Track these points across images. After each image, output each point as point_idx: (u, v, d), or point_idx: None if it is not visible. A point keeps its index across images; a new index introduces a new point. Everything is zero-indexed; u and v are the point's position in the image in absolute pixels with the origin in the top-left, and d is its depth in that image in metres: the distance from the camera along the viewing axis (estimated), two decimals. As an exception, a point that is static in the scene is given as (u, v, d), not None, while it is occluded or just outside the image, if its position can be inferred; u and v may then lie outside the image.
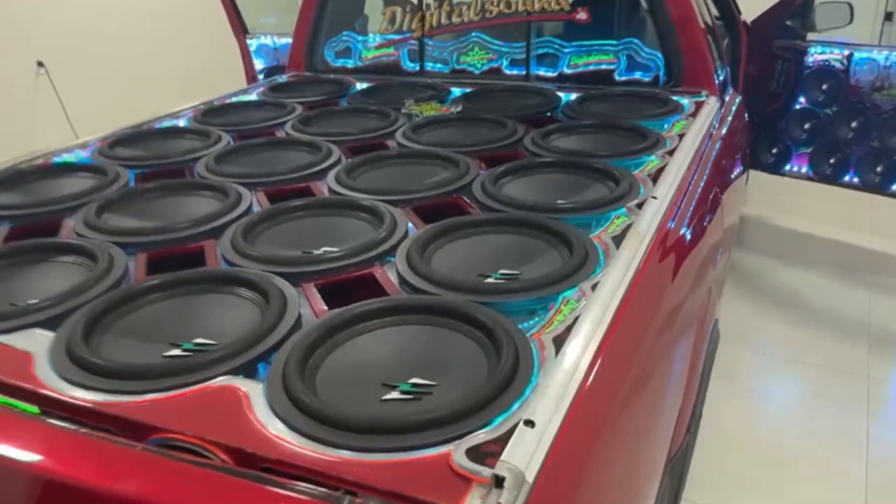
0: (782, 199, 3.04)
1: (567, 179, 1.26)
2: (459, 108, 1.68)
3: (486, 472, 0.60)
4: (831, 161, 2.49)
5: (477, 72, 1.98)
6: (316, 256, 0.98)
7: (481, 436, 0.64)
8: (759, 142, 2.61)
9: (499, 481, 0.59)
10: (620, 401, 0.78)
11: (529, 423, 0.65)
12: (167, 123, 1.66)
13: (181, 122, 1.67)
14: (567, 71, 1.90)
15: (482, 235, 1.06)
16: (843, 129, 2.41)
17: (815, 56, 2.40)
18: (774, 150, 2.65)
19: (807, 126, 2.48)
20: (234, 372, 0.76)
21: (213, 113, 1.73)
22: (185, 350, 0.81)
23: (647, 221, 1.05)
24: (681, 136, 1.43)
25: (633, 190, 1.17)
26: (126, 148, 1.47)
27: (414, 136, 1.50)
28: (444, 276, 0.92)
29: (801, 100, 2.47)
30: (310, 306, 0.90)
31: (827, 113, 2.42)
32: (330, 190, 1.24)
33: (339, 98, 1.87)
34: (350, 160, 1.36)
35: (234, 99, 1.87)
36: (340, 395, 0.73)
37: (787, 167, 2.63)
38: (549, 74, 1.91)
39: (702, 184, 1.31)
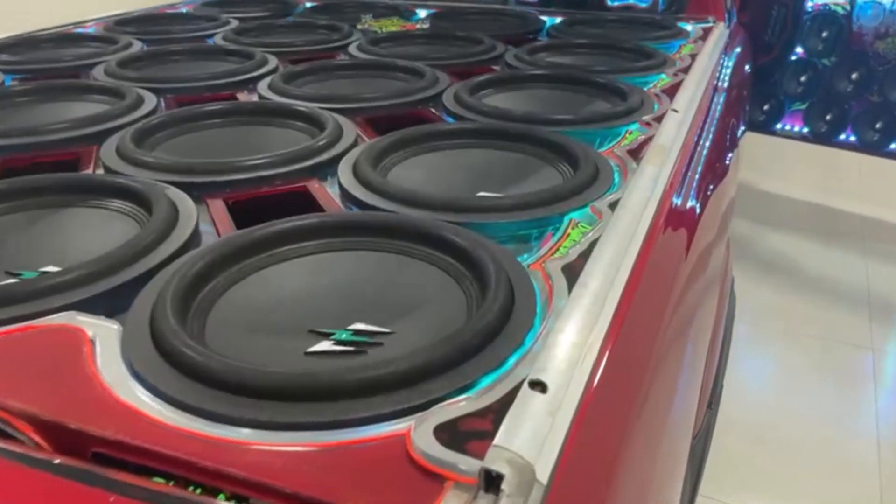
0: (767, 164, 2.85)
1: (562, 95, 1.01)
2: (427, 25, 1.42)
3: (469, 464, 0.35)
4: (827, 118, 2.29)
5: (447, -7, 1.70)
6: (226, 164, 0.72)
7: (461, 405, 0.40)
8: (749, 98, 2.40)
9: (492, 481, 0.34)
10: (656, 356, 0.55)
11: (538, 386, 0.40)
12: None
13: (89, 31, 1.37)
14: (551, -6, 1.64)
15: (456, 150, 0.81)
16: (841, 81, 2.20)
17: (815, 1, 2.18)
18: (766, 107, 2.44)
19: (803, 79, 2.27)
20: (82, 307, 0.50)
21: (129, 23, 1.43)
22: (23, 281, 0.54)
23: (671, 135, 0.81)
24: (693, 57, 1.19)
25: (646, 105, 0.93)
26: (8, 54, 1.17)
27: (371, 48, 1.24)
28: (404, 190, 0.66)
29: (798, 50, 2.26)
30: (214, 229, 0.64)
31: (825, 64, 2.22)
32: (260, 98, 0.97)
33: (284, 17, 1.59)
34: (289, 68, 1.09)
35: (156, 12, 1.57)
36: (242, 344, 0.48)
37: (780, 126, 2.42)
38: (531, -2, 1.66)
39: (720, 106, 1.07)
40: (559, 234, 0.61)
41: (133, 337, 0.46)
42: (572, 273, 0.53)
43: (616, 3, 1.60)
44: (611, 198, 0.66)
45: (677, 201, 0.71)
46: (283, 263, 0.57)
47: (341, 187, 0.69)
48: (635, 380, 0.49)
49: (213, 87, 1.01)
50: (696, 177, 0.81)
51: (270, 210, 0.67)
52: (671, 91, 1.00)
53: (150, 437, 0.39)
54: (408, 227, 0.58)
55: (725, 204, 1.02)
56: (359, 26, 1.41)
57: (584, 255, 0.55)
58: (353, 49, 1.24)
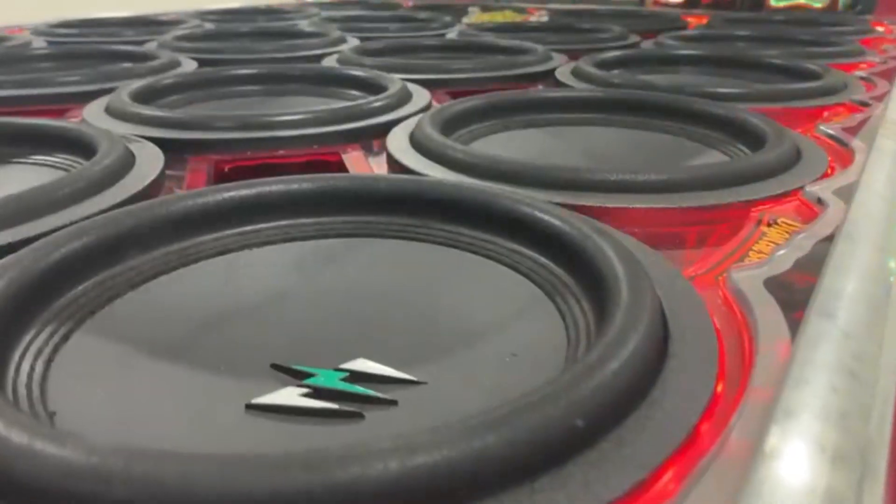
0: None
1: (726, 80, 0.75)
2: (546, 19, 1.19)
3: None
4: None
5: (572, -4, 1.47)
6: (227, 117, 0.50)
7: None
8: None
9: None
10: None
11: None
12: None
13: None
14: (699, -6, 1.37)
15: (570, 126, 0.56)
16: None
17: None
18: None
19: None
20: None
21: (213, 13, 1.29)
22: None
23: (906, 114, 0.53)
24: (900, 49, 0.89)
25: (851, 87, 0.65)
26: (66, 29, 1.04)
27: (473, 32, 1.02)
28: (477, 155, 0.41)
29: None
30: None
31: None
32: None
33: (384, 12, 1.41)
34: (366, 43, 0.88)
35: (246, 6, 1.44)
36: (135, 384, 0.24)
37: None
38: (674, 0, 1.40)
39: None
40: (744, 234, 0.34)
41: None
42: (790, 292, 0.26)
43: (781, 4, 1.31)
44: (828, 183, 0.38)
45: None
46: (249, 250, 0.33)
47: (389, 156, 0.45)
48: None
49: (270, 60, 0.82)
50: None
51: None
52: (885, 76, 0.71)
53: None
54: (466, 201, 0.33)
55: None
56: (464, 20, 1.20)
57: (810, 264, 0.28)
58: (451, 35, 1.02)
